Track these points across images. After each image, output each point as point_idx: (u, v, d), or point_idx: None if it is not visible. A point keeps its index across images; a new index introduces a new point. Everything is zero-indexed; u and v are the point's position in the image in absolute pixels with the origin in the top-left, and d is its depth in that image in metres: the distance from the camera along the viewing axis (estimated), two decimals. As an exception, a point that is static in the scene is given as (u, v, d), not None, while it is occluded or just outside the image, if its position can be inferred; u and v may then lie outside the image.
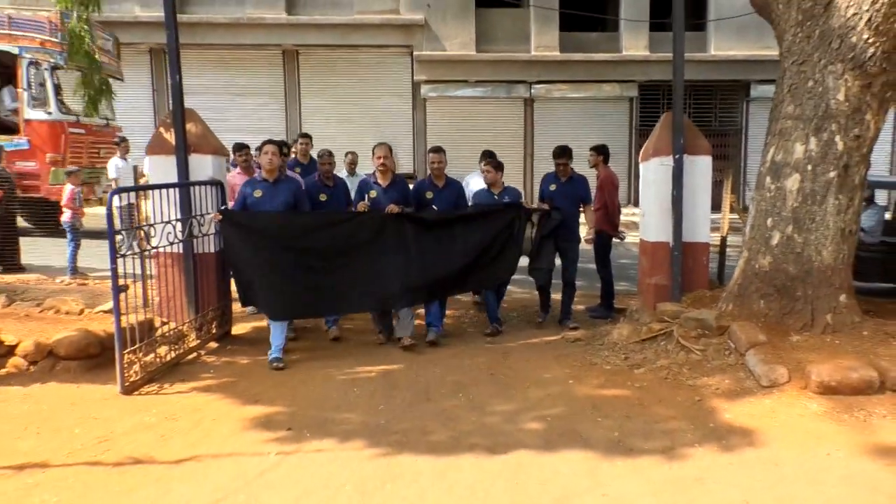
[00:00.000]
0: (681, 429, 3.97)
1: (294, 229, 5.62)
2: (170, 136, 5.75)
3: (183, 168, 5.69)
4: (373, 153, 5.96)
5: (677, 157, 5.81)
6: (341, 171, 7.71)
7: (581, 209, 6.65)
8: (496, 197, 6.37)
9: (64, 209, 8.56)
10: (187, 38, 13.24)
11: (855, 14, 4.80)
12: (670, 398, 4.43)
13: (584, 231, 6.69)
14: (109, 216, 4.43)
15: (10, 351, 4.93)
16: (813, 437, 3.83)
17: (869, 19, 4.73)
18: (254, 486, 3.30)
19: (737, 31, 17.21)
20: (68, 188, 8.57)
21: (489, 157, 6.65)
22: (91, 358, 5.01)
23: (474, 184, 7.11)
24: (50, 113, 10.76)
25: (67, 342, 4.92)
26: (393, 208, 5.73)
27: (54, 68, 10.72)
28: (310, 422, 4.13)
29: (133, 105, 16.98)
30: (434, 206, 6.09)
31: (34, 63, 10.51)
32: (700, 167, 5.95)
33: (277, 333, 5.40)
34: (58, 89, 11.07)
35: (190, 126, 5.79)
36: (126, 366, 4.56)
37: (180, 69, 5.70)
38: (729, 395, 4.40)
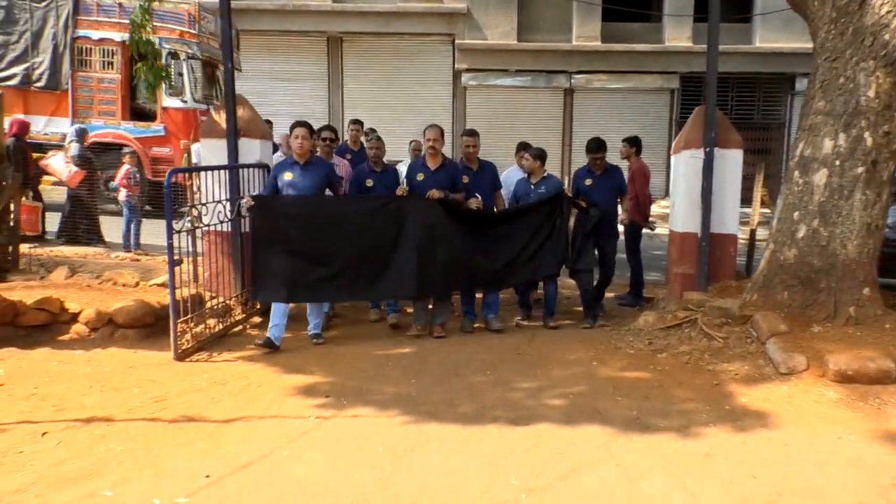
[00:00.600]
0: (697, 410, 4.17)
1: (327, 214, 5.56)
2: (221, 121, 6.09)
3: (233, 151, 6.02)
4: (423, 135, 5.92)
5: (708, 150, 5.94)
6: (405, 159, 7.76)
7: (619, 200, 6.60)
8: (532, 186, 6.28)
9: (120, 188, 9.02)
10: (235, 24, 13.63)
11: (889, 12, 4.87)
12: (689, 381, 4.62)
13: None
14: (167, 195, 4.78)
15: (74, 318, 5.35)
16: (826, 422, 3.99)
17: (902, 17, 4.79)
18: (296, 445, 3.61)
19: (784, 24, 16.91)
20: (124, 168, 9.02)
21: (525, 149, 6.67)
22: (146, 327, 5.41)
23: (514, 177, 6.89)
24: (185, 101, 11.28)
25: (126, 311, 5.32)
26: (434, 193, 5.61)
27: (190, 58, 11.19)
28: (347, 391, 4.43)
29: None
30: (471, 191, 5.96)
31: (173, 54, 10.97)
32: (731, 160, 6.07)
33: (315, 313, 5.60)
34: (193, 79, 11.58)
35: (240, 111, 6.12)
36: (179, 334, 4.94)
37: (233, 58, 6.02)
38: (747, 381, 4.57)
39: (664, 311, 5.96)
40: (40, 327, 5.25)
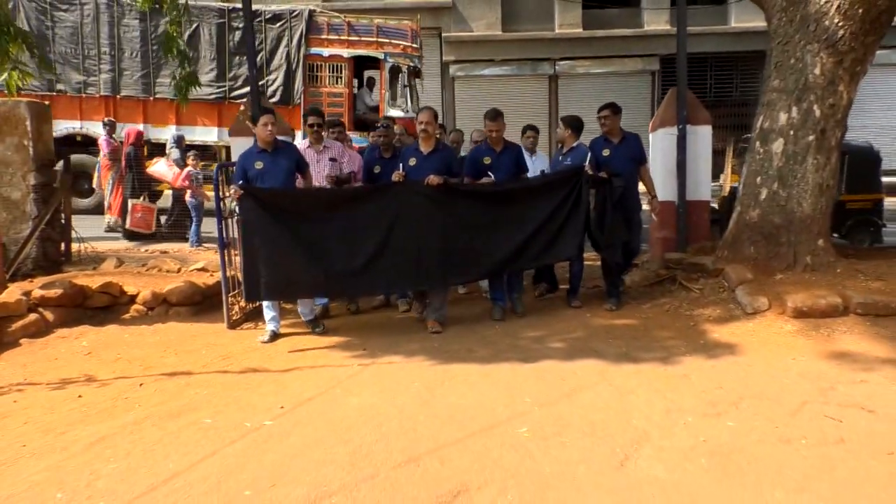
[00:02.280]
0: (676, 345, 4.97)
1: (318, 206, 5.45)
2: (248, 122, 6.82)
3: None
4: (415, 118, 5.82)
5: (681, 126, 6.72)
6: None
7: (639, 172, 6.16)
8: (561, 157, 6.23)
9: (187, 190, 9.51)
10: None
11: (828, 2, 5.66)
12: (670, 325, 5.43)
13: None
14: (217, 186, 5.54)
15: (132, 299, 6.09)
16: (783, 348, 4.82)
17: (839, 6, 5.59)
18: (346, 384, 4.38)
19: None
20: (186, 169, 9.52)
21: (531, 129, 6.81)
22: (195, 304, 6.15)
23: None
24: (406, 111, 11.90)
25: (178, 291, 6.07)
26: (433, 179, 5.38)
27: (411, 72, 11.88)
28: (379, 346, 5.20)
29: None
30: (491, 174, 5.79)
31: (396, 67, 11.65)
32: (701, 135, 6.87)
33: (305, 301, 5.58)
34: (412, 90, 12.21)
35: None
36: (230, 306, 5.68)
37: (255, 63, 6.74)
38: (719, 321, 5.38)
39: (648, 270, 6.77)
40: (104, 308, 5.98)
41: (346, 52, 11.38)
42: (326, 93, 11.40)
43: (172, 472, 3.19)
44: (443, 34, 18.71)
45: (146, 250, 9.02)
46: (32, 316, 5.44)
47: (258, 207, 5.17)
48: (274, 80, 11.12)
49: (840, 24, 5.62)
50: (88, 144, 11.11)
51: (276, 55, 10.95)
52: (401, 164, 5.63)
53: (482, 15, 18.79)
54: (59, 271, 6.76)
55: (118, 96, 11.04)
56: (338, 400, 4.11)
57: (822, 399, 3.94)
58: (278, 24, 11.00)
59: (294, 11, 11.15)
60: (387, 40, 11.50)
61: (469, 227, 5.58)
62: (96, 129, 10.78)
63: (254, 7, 11.11)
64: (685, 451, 3.32)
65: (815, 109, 5.92)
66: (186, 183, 9.49)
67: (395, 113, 11.59)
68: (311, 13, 11.41)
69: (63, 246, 7.22)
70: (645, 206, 6.40)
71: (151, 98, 10.88)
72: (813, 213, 6.00)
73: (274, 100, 10.50)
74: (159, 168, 9.56)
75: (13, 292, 5.54)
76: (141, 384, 4.37)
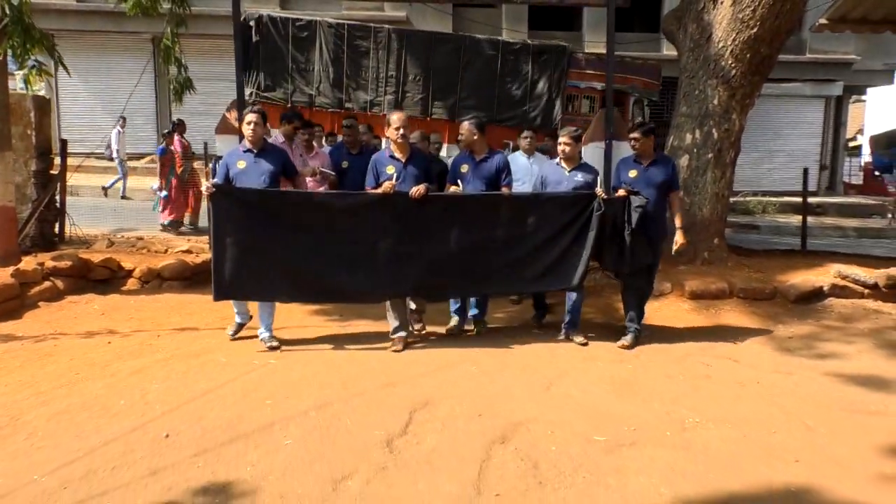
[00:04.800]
0: (595, 316, 6.15)
1: (295, 209, 5.12)
2: (232, 119, 7.70)
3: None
4: (388, 123, 5.21)
5: (607, 141, 7.94)
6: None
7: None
8: (568, 173, 5.41)
9: None
10: (191, 29, 15.02)
11: (723, 47, 6.99)
12: (594, 303, 6.59)
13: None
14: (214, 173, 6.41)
15: (129, 273, 6.88)
16: (680, 321, 6.07)
17: (732, 50, 6.92)
18: (333, 338, 5.35)
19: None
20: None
21: (530, 131, 6.54)
22: (185, 279, 6.98)
23: (520, 162, 6.42)
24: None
25: (170, 268, 6.90)
26: (420, 190, 5.01)
27: (647, 104, 12.81)
28: (351, 313, 6.16)
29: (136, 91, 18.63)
30: (467, 182, 5.46)
31: (639, 100, 12.51)
32: (624, 149, 8.09)
33: (268, 313, 5.19)
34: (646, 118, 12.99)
35: (232, 114, 7.75)
36: (220, 280, 6.52)
37: (241, 71, 7.63)
38: (631, 301, 6.57)
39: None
40: (103, 281, 6.75)
41: (599, 85, 12.09)
42: (580, 120, 12.00)
43: (204, 390, 4.14)
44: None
45: (122, 235, 9.74)
46: (46, 283, 6.20)
47: (232, 206, 4.93)
48: (536, 106, 11.79)
49: (733, 65, 6.95)
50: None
51: (538, 84, 11.68)
52: (377, 172, 5.19)
53: (433, 29, 19.92)
54: (55, 249, 7.47)
55: None
56: (328, 349, 5.09)
57: (701, 353, 5.17)
58: (542, 58, 11.76)
59: (558, 47, 11.94)
60: (635, 77, 12.45)
61: (454, 240, 5.21)
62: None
63: (522, 41, 12.53)
64: (594, 381, 4.47)
65: (713, 132, 7.24)
66: None
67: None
68: (572, 49, 12.31)
69: (57, 227, 7.92)
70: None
71: (428, 118, 11.44)
72: (711, 217, 7.31)
73: (536, 123, 11.12)
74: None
75: (30, 262, 6.29)
76: (158, 335, 5.26)
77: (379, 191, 5.08)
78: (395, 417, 3.79)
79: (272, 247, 4.98)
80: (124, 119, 13.79)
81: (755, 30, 6.63)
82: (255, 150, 5.11)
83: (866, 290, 6.50)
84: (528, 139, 6.49)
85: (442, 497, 2.96)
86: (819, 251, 8.96)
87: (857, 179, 22.00)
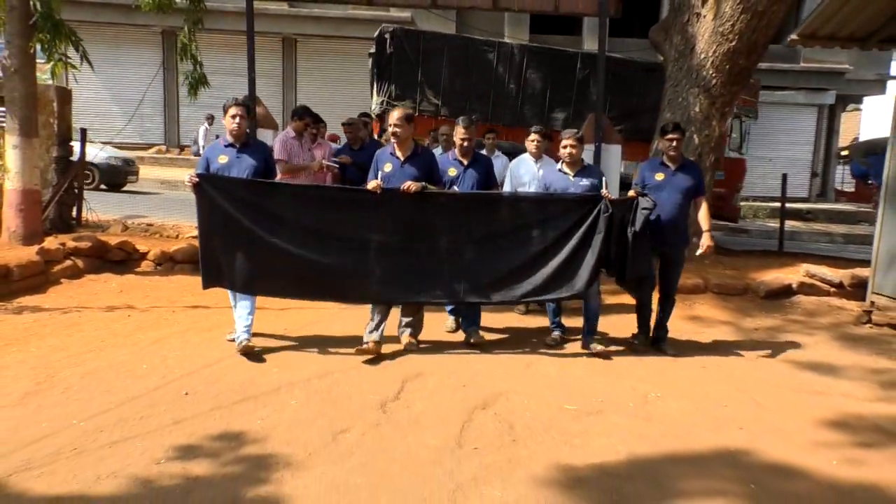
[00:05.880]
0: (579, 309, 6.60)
1: (281, 201, 4.95)
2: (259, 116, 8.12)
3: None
4: (388, 120, 5.08)
5: (597, 144, 8.40)
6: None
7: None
8: (573, 178, 5.15)
9: None
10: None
11: (705, 58, 7.46)
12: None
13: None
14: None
15: (143, 256, 7.32)
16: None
17: (713, 62, 7.39)
18: (329, 320, 5.81)
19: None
20: None
21: (538, 133, 5.99)
22: (196, 262, 7.33)
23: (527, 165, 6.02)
24: (742, 154, 13.36)
25: (182, 251, 7.34)
26: (411, 185, 4.82)
27: (744, 119, 13.20)
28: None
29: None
30: (455, 187, 5.22)
31: (737, 116, 12.82)
32: (612, 151, 8.54)
33: (245, 313, 4.92)
34: (743, 136, 13.53)
35: (258, 108, 8.19)
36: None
37: (254, 67, 8.07)
38: (612, 294, 7.03)
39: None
40: (119, 262, 7.19)
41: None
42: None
43: (218, 358, 4.61)
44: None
45: (132, 222, 10.20)
46: (67, 262, 6.65)
47: (216, 197, 4.81)
48: (645, 120, 12.26)
49: (713, 75, 7.41)
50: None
51: (646, 98, 11.86)
52: (377, 170, 5.03)
53: (437, 30, 20.38)
54: (72, 232, 7.92)
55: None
56: (325, 329, 5.55)
57: (672, 340, 5.62)
58: (655, 74, 11.96)
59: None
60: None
61: (449, 241, 5.01)
62: None
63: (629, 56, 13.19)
64: (571, 360, 4.93)
65: (694, 138, 7.70)
66: None
67: (733, 155, 13.03)
68: None
69: (75, 211, 8.37)
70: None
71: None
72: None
73: (640, 135, 11.35)
74: None
75: (52, 242, 6.75)
76: (173, 311, 5.73)
77: (368, 187, 4.91)
78: (389, 386, 4.26)
79: (255, 237, 4.83)
80: (213, 116, 14.21)
81: (734, 43, 7.09)
82: (237, 145, 4.95)
83: (832, 289, 6.97)
84: (536, 142, 5.92)
85: (427, 448, 3.43)
86: (794, 252, 9.45)
87: (850, 187, 22.47)
